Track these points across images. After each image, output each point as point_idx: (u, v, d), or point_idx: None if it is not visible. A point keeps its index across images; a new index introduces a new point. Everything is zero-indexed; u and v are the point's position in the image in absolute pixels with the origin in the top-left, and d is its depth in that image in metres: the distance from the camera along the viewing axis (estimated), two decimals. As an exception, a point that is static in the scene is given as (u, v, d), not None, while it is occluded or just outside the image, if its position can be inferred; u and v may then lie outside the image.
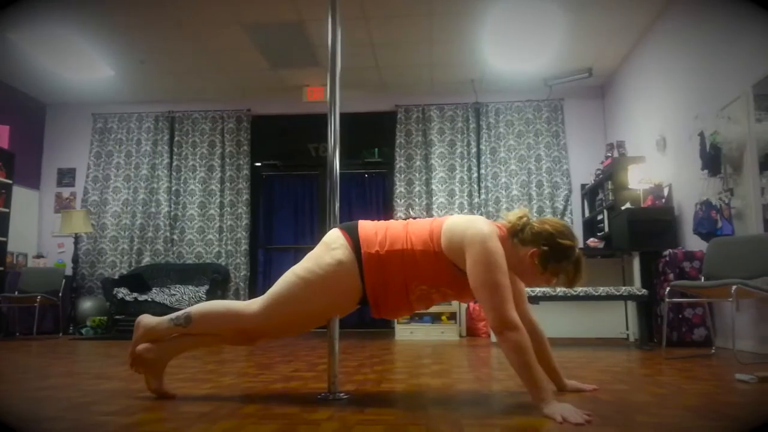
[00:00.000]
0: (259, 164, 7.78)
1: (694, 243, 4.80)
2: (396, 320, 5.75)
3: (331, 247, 2.03)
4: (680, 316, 4.47)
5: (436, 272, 1.98)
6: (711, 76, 4.57)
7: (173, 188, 7.50)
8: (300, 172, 7.90)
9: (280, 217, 7.92)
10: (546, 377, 1.82)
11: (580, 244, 6.71)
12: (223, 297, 6.92)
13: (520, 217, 1.99)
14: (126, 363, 2.21)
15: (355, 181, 7.80)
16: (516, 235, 1.97)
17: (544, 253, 1.92)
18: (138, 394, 2.20)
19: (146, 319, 2.16)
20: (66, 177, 7.71)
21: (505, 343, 1.81)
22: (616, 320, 5.37)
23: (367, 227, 2.07)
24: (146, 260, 7.27)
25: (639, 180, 5.41)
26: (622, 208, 5.38)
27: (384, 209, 7.64)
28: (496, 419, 1.72)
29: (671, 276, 4.54)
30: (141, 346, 2.12)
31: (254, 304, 2.08)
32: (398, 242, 2.00)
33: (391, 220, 2.13)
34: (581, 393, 2.20)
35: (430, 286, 2.02)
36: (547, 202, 6.97)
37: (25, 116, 7.45)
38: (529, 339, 1.81)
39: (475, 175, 7.16)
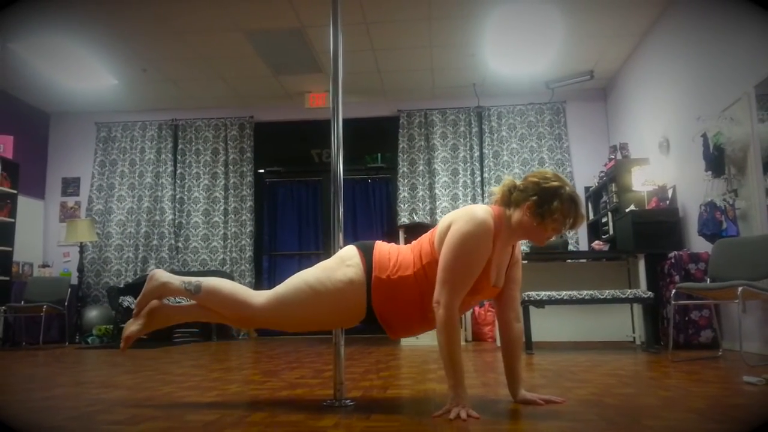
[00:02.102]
0: (262, 171, 7.80)
1: (699, 244, 4.78)
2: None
3: (346, 263, 2.05)
4: (686, 318, 4.45)
5: None
6: (713, 76, 4.57)
7: (177, 196, 7.52)
8: (303, 178, 7.92)
9: (284, 224, 7.93)
10: (461, 366, 1.89)
11: (585, 247, 6.70)
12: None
13: (505, 185, 2.02)
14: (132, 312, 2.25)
15: (358, 186, 7.80)
16: (509, 204, 1.99)
17: (535, 202, 1.91)
18: (144, 403, 2.20)
19: (160, 273, 2.21)
20: (70, 186, 7.74)
21: (438, 320, 1.89)
22: (622, 323, 5.35)
23: (382, 250, 2.08)
24: (151, 268, 7.28)
25: (643, 182, 5.39)
26: (627, 210, 5.37)
27: (388, 214, 7.65)
28: (503, 425, 1.72)
29: (677, 278, 4.53)
30: (154, 303, 2.19)
31: (260, 296, 2.11)
32: (409, 267, 2.02)
33: (406, 245, 2.14)
34: (584, 398, 2.19)
35: None
36: (551, 205, 6.96)
37: (29, 126, 7.48)
38: (457, 327, 1.87)
39: (479, 179, 7.16)
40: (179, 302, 2.36)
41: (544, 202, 1.90)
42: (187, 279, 2.18)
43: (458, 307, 1.91)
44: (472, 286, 1.95)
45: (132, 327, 2.18)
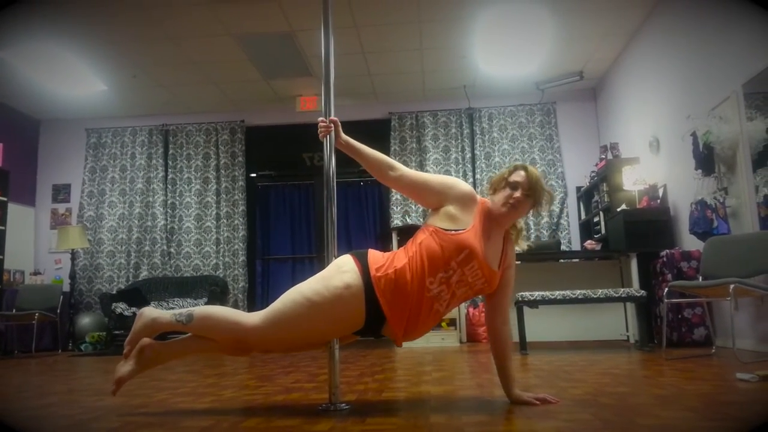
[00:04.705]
0: (254, 175, 7.78)
1: (690, 243, 4.81)
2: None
3: (342, 269, 2.06)
4: (679, 316, 4.48)
5: (440, 249, 2.00)
6: (701, 75, 4.60)
7: (169, 201, 7.48)
8: (295, 181, 7.91)
9: (277, 228, 7.91)
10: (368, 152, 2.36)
11: (577, 247, 6.76)
12: (222, 309, 6.89)
13: None
14: (123, 352, 2.20)
15: (350, 189, 7.81)
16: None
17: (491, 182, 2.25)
18: (138, 411, 2.19)
19: (149, 311, 2.19)
20: (61, 193, 7.69)
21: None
22: (616, 322, 5.37)
23: (376, 254, 2.13)
24: (144, 274, 7.25)
25: (633, 181, 5.42)
26: (618, 209, 5.40)
27: (380, 216, 7.65)
28: (498, 426, 1.72)
29: (669, 276, 4.55)
30: (144, 341, 2.15)
31: (256, 316, 2.09)
32: (403, 258, 2.06)
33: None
34: (579, 397, 2.19)
35: (446, 270, 2.00)
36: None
37: (18, 133, 7.43)
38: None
39: (471, 180, 7.17)
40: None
41: (494, 177, 2.23)
42: (177, 311, 2.16)
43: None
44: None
45: (123, 369, 2.14)
